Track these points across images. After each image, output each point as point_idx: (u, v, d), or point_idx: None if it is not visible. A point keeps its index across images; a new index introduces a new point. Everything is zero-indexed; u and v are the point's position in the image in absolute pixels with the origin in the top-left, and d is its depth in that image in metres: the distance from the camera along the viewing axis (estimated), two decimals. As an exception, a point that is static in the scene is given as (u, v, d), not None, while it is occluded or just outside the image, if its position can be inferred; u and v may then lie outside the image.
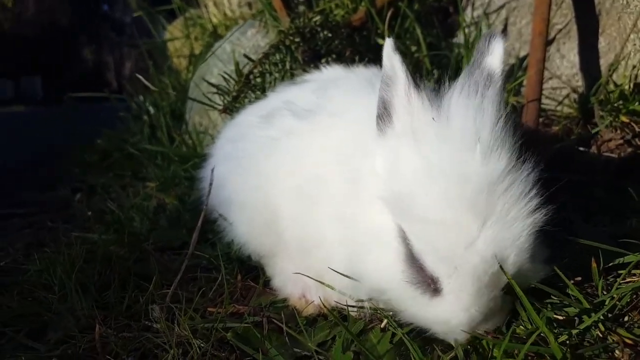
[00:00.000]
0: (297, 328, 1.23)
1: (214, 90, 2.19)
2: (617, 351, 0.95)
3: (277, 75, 2.05)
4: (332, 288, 1.23)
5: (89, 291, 1.53)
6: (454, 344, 1.03)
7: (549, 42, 2.36)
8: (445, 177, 0.95)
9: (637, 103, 2.11)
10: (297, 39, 2.07)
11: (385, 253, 1.04)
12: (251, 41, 2.65)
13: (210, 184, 1.64)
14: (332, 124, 1.27)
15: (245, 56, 2.14)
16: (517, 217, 0.95)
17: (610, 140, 2.13)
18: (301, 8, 2.55)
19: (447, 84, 1.06)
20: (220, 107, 2.08)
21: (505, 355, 0.95)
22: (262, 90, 2.05)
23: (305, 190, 1.24)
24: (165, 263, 1.75)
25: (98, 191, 2.93)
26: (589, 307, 1.02)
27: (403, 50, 2.40)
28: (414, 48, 2.47)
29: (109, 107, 4.23)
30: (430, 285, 0.99)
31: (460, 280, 0.95)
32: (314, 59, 2.09)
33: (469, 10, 2.70)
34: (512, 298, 1.00)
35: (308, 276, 1.27)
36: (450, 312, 0.97)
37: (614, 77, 2.25)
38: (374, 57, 2.20)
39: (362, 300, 1.23)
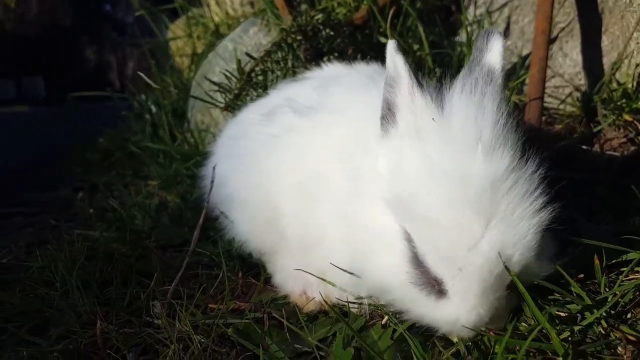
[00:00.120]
0: (298, 324, 1.23)
1: (216, 88, 2.19)
2: (619, 348, 0.95)
3: (279, 73, 2.05)
4: (334, 285, 1.23)
5: (90, 288, 1.54)
6: (457, 340, 1.03)
7: (551, 41, 2.35)
8: (447, 177, 0.94)
9: (640, 101, 2.10)
10: (299, 37, 2.07)
11: (389, 253, 1.03)
12: (253, 39, 2.65)
13: (212, 182, 1.64)
14: (333, 122, 1.26)
15: (247, 54, 2.14)
16: (522, 216, 0.94)
17: (613, 138, 2.13)
18: (303, 6, 2.54)
19: (448, 82, 1.05)
20: (222, 105, 2.08)
21: (507, 352, 0.94)
22: (263, 88, 2.05)
23: (306, 187, 1.24)
24: (167, 260, 1.75)
25: (100, 190, 2.94)
26: (591, 303, 1.02)
27: (405, 49, 2.40)
28: (416, 46, 2.46)
29: (111, 107, 4.23)
30: (435, 286, 0.98)
31: (465, 281, 0.94)
32: (316, 57, 2.09)
33: (471, 8, 2.69)
34: (517, 294, 0.99)
35: (309, 273, 1.27)
36: (457, 314, 0.96)
37: (617, 75, 2.25)
38: (376, 56, 2.19)
39: (362, 298, 1.23)
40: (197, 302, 1.38)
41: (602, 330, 0.99)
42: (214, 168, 1.65)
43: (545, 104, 2.28)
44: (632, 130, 2.12)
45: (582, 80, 2.39)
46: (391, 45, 1.07)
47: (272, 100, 1.59)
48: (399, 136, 1.06)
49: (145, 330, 1.30)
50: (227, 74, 2.10)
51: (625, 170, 1.96)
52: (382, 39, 2.44)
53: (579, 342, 0.97)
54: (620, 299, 1.06)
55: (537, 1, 2.17)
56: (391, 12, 2.37)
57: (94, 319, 1.33)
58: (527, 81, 2.26)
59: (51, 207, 2.84)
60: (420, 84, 1.04)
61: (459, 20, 2.67)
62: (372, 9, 2.40)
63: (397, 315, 1.11)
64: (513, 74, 2.42)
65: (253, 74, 2.07)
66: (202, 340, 1.21)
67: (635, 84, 2.17)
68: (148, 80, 2.50)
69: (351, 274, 1.13)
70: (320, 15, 2.21)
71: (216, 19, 3.55)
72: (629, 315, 1.05)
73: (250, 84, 2.05)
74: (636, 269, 1.17)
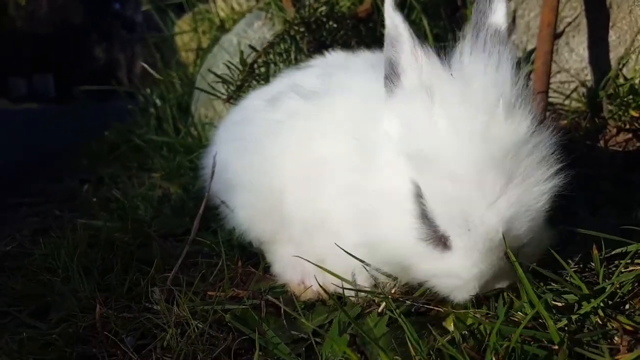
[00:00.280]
0: (295, 311, 1.23)
1: (219, 80, 2.20)
2: (616, 337, 0.94)
3: (281, 65, 2.06)
4: (332, 273, 1.23)
5: (91, 274, 1.55)
6: (452, 329, 1.03)
7: (557, 36, 2.33)
8: (470, 136, 0.94)
9: (646, 97, 2.08)
10: (302, 29, 2.07)
11: (397, 214, 1.03)
12: (257, 33, 2.65)
13: (214, 167, 1.64)
14: (338, 102, 1.26)
15: (250, 46, 2.15)
16: (539, 179, 0.95)
17: (618, 134, 2.10)
18: (307, -1, 2.54)
19: (450, 45, 1.06)
20: (224, 97, 2.08)
21: (503, 339, 0.94)
22: (266, 80, 2.05)
23: (311, 170, 1.24)
24: (168, 249, 1.77)
25: (105, 182, 2.97)
26: (588, 293, 1.01)
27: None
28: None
29: (120, 105, 4.27)
30: (442, 240, 0.99)
31: (473, 238, 0.94)
32: (318, 49, 2.08)
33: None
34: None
35: (308, 260, 1.27)
36: (460, 266, 0.97)
37: (624, 71, 2.22)
38: (380, 49, 2.18)
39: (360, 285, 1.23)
40: (196, 290, 1.38)
41: (599, 320, 0.98)
42: (215, 154, 1.65)
43: (550, 99, 2.27)
44: (638, 125, 2.10)
45: (588, 76, 2.37)
46: (389, 3, 1.07)
47: (276, 87, 1.60)
48: (406, 95, 1.06)
49: (144, 315, 1.31)
50: (230, 65, 2.10)
51: (630, 165, 1.94)
52: (386, 33, 2.42)
53: (575, 332, 0.96)
54: (618, 290, 1.05)
55: (543, -6, 2.15)
56: (396, 5, 2.35)
57: (93, 303, 1.34)
58: (531, 76, 2.24)
59: (56, 198, 2.88)
60: (421, 43, 1.05)
61: (464, 15, 2.66)
62: (376, 2, 2.39)
63: (395, 303, 1.11)
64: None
65: (256, 66, 2.07)
66: (199, 325, 1.22)
67: (642, 79, 2.14)
68: (152, 72, 2.51)
69: (356, 258, 1.13)
70: (323, 8, 2.21)
71: (222, 14, 3.56)
72: (626, 306, 1.04)
73: (252, 76, 2.06)
74: (636, 261, 1.16)
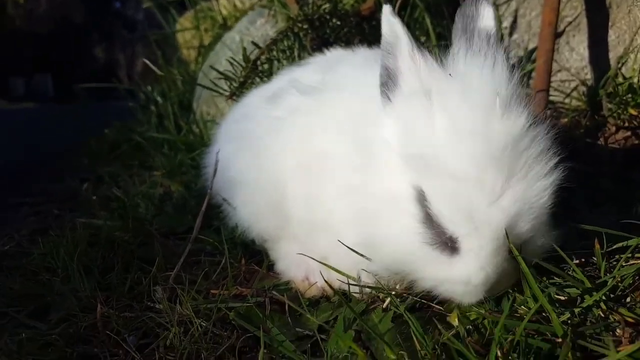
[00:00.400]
0: (300, 308, 1.23)
1: (222, 77, 2.19)
2: (618, 330, 0.94)
3: (284, 62, 2.06)
4: (336, 270, 1.23)
5: (92, 273, 1.53)
6: (457, 324, 1.03)
7: (558, 35, 2.34)
8: (470, 134, 0.95)
9: (646, 96, 2.09)
10: (305, 26, 2.07)
11: (400, 218, 1.03)
12: (260, 30, 2.65)
13: (216, 164, 1.64)
14: (338, 98, 1.27)
15: (253, 43, 2.14)
16: (539, 174, 0.96)
17: (617, 132, 2.11)
18: (311, -4, 2.53)
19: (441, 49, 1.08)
20: (227, 93, 2.08)
21: (507, 333, 0.94)
22: (269, 77, 2.05)
23: (312, 167, 1.24)
24: (170, 247, 1.75)
25: (106, 180, 2.96)
26: (590, 286, 1.01)
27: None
28: (423, 38, 2.46)
29: (120, 104, 4.26)
30: (448, 244, 0.99)
31: (480, 238, 0.95)
32: (322, 46, 2.08)
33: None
34: (518, 269, 0.99)
35: (312, 258, 1.27)
36: (468, 271, 0.97)
37: (623, 70, 2.23)
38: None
39: (364, 282, 1.23)
40: (199, 288, 1.38)
41: (601, 313, 0.99)
42: (218, 151, 1.65)
43: (551, 98, 2.27)
44: (637, 124, 2.11)
45: (588, 75, 2.38)
46: (387, 10, 1.08)
47: (276, 84, 1.60)
48: (404, 99, 1.07)
49: (146, 314, 1.30)
50: (233, 61, 2.10)
51: (630, 163, 1.95)
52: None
53: (578, 325, 0.97)
54: (619, 283, 1.05)
55: (544, -7, 2.16)
56: (398, 3, 2.36)
57: (94, 303, 1.32)
58: (533, 75, 2.24)
59: (56, 197, 2.86)
60: (419, 46, 1.06)
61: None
62: (380, 0, 2.40)
63: (399, 299, 1.11)
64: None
65: (259, 62, 2.07)
66: (203, 324, 1.21)
67: (641, 78, 2.15)
68: (154, 68, 2.50)
69: (360, 254, 1.13)
70: (327, 5, 2.21)
71: (224, 11, 3.56)
72: (628, 299, 1.05)
73: (255, 73, 2.05)
74: (637, 255, 1.16)
